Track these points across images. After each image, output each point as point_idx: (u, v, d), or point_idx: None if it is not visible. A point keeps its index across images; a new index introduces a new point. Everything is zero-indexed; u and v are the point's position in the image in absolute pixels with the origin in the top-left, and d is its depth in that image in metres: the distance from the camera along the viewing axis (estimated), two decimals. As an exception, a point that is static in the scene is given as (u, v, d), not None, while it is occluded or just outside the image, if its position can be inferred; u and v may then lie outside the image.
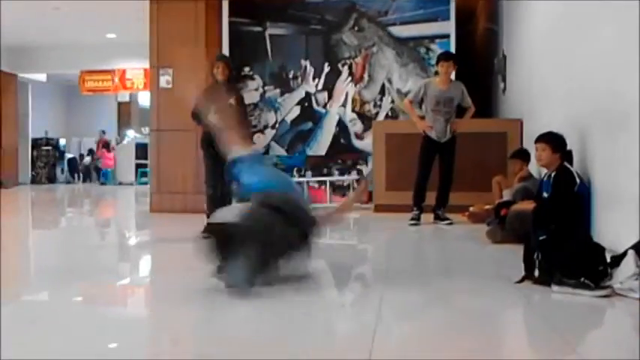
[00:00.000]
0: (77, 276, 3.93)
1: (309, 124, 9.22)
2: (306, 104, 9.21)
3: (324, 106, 9.18)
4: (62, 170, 19.30)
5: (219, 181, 5.95)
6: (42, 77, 17.93)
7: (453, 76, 6.71)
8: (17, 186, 16.21)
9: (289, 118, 9.25)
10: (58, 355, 2.22)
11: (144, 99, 17.52)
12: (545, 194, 4.54)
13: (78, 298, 3.40)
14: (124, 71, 16.49)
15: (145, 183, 15.03)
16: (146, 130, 12.24)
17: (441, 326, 2.67)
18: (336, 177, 9.11)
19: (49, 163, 18.55)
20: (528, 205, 4.62)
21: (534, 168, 6.24)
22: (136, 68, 16.09)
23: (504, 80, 8.50)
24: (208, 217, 5.77)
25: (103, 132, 18.79)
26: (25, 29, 14.09)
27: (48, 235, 6.96)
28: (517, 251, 3.67)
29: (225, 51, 8.84)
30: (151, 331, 2.78)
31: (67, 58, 15.94)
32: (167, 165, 8.35)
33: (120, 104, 20.32)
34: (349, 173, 9.09)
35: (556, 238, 3.35)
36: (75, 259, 4.82)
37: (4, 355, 1.79)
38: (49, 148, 18.60)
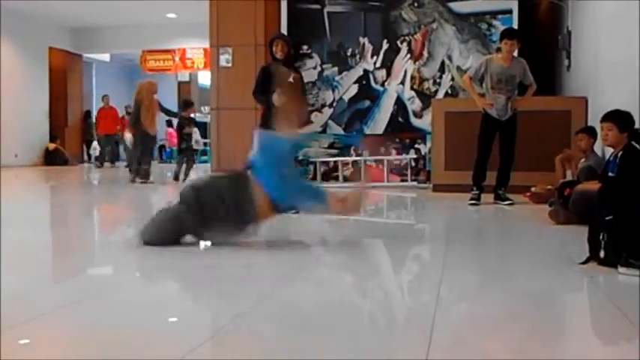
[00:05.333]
0: (138, 251, 4.03)
1: (367, 103, 9.18)
2: (364, 82, 9.17)
3: (382, 84, 9.11)
4: (124, 148, 19.80)
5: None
6: (105, 57, 18.38)
7: (515, 53, 6.55)
8: (82, 164, 16.72)
9: (347, 97, 9.22)
10: (118, 328, 2.28)
11: (203, 78, 17.74)
12: (610, 174, 4.41)
13: (138, 272, 3.49)
14: (184, 51, 16.74)
15: (205, 161, 15.21)
16: (206, 109, 12.39)
17: (501, 308, 2.63)
18: (393, 156, 9.06)
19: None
20: (593, 185, 4.49)
21: (598, 147, 6.07)
22: (195, 48, 16.31)
23: (569, 57, 8.25)
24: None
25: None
26: (89, 10, 14.45)
27: (109, 210, 7.15)
28: (581, 232, 3.58)
29: (284, 30, 8.86)
30: (211, 305, 2.83)
31: (130, 38, 16.31)
32: (227, 143, 8.46)
33: (180, 84, 20.64)
34: (407, 152, 9.03)
35: (623, 219, 3.25)
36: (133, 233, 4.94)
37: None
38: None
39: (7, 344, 2.06)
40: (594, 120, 6.24)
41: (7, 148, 14.09)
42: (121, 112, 16.83)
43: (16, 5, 13.67)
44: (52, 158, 15.44)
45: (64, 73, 16.36)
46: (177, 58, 16.94)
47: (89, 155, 18.22)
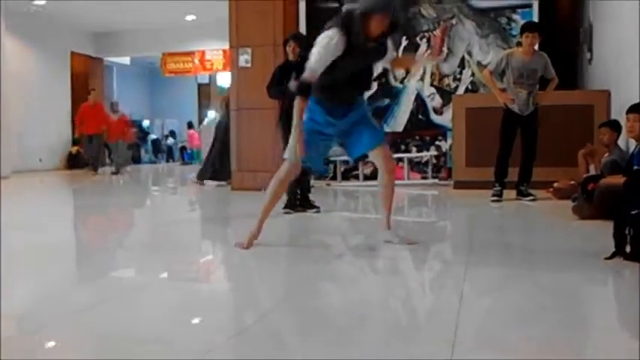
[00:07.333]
0: (161, 252, 4.06)
1: (386, 101, 9.14)
2: (383, 80, 9.12)
3: (402, 81, 9.06)
4: (146, 151, 19.93)
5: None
6: (126, 61, 18.52)
7: (536, 47, 6.48)
8: (104, 167, 16.85)
9: (366, 95, 9.17)
10: (140, 330, 2.30)
11: (222, 80, 17.78)
12: (636, 167, 4.35)
13: (162, 273, 3.50)
14: (203, 53, 16.81)
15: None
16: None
17: (526, 304, 2.60)
18: (413, 154, 9.02)
19: (134, 143, 19.20)
20: (618, 180, 4.43)
21: (622, 141, 5.99)
22: (215, 49, 16.37)
23: (590, 50, 8.15)
24: (287, 193, 5.82)
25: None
26: (109, 14, 14.58)
27: (133, 212, 7.21)
28: (606, 227, 3.54)
29: (303, 29, 8.86)
30: (234, 306, 2.84)
31: (150, 41, 16.43)
32: (247, 144, 8.47)
33: (200, 86, 20.74)
34: (427, 150, 8.99)
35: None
36: (158, 235, 4.98)
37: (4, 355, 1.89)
38: (134, 129, 19.17)
39: (35, 344, 2.08)
40: (617, 113, 6.16)
41: (32, 152, 14.27)
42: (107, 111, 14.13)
43: (38, 10, 13.83)
44: (74, 162, 15.58)
45: (85, 77, 16.51)
46: (196, 60, 17.03)
47: (111, 159, 18.38)
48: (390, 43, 3.86)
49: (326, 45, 3.56)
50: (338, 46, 3.54)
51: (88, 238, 5.06)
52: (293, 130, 3.61)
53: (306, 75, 3.56)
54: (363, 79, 3.87)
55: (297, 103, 3.61)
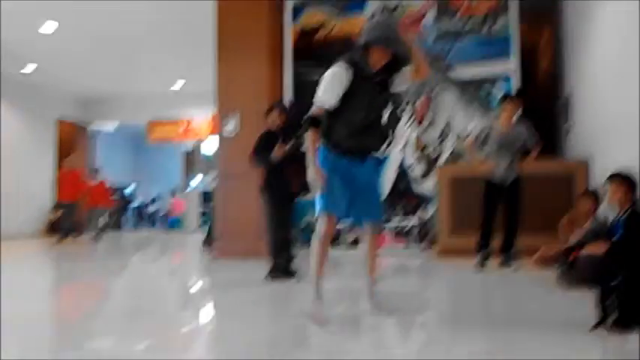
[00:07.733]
0: (141, 322, 3.99)
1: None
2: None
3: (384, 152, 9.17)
4: (128, 217, 19.81)
5: (285, 225, 5.92)
6: (111, 128, 18.62)
7: (515, 117, 6.60)
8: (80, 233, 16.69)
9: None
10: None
11: (207, 149, 17.82)
12: (615, 237, 4.39)
13: (141, 345, 3.44)
14: (189, 120, 16.96)
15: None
16: (208, 178, 12.38)
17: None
18: (396, 222, 9.04)
19: (117, 210, 19.03)
20: (599, 249, 4.48)
21: (603, 209, 6.06)
22: (201, 117, 16.53)
23: (570, 119, 8.33)
24: (274, 261, 5.80)
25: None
26: (96, 83, 14.78)
27: (115, 281, 7.11)
28: (589, 297, 3.55)
29: (289, 94, 9.05)
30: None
31: (136, 110, 16.59)
32: (232, 211, 8.46)
33: (185, 154, 20.74)
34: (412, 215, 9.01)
35: (632, 282, 3.22)
36: (140, 305, 4.90)
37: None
38: (116, 196, 19.03)
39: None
40: (597, 182, 6.25)
41: (14, 218, 14.14)
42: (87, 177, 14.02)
43: (24, 78, 13.97)
44: (55, 229, 15.40)
45: (71, 145, 16.54)
46: (182, 128, 17.14)
47: (91, 224, 18.19)
48: (396, 78, 3.89)
49: (331, 76, 3.65)
50: (343, 77, 3.62)
51: (68, 308, 4.97)
52: (308, 164, 3.66)
53: (314, 109, 3.66)
54: (373, 126, 3.87)
55: (309, 136, 3.67)
